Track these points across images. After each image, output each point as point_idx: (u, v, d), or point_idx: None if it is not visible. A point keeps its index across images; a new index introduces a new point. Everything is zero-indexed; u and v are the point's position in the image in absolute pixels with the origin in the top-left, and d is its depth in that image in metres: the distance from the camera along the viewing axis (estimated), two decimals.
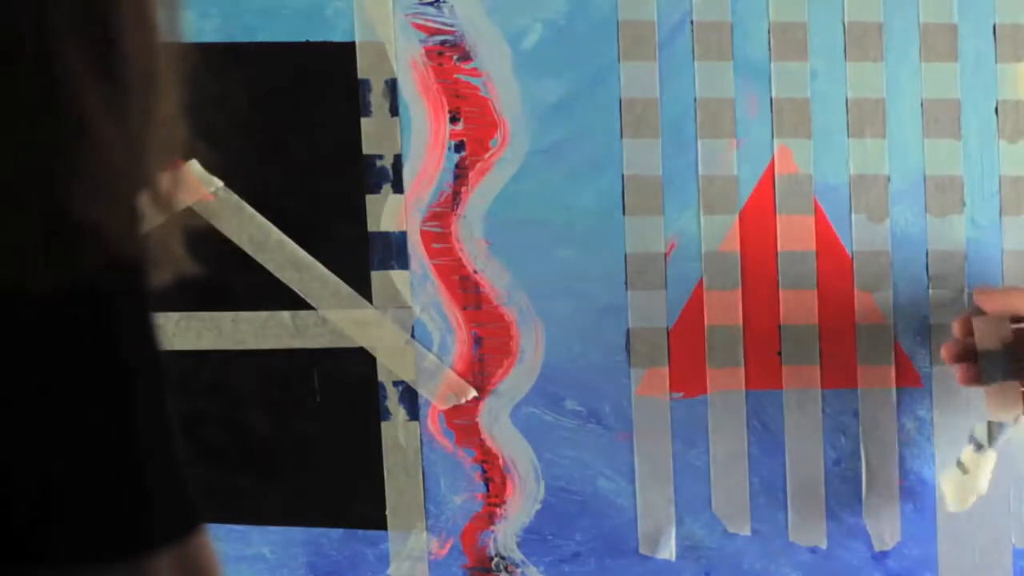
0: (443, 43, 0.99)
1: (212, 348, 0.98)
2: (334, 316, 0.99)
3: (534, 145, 1.00)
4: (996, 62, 1.02)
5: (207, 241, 0.92)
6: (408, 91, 0.99)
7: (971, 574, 1.03)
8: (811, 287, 1.01)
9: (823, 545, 1.02)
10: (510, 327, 1.00)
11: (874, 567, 1.03)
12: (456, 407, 1.00)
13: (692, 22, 1.00)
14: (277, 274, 0.98)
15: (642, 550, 1.02)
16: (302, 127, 0.99)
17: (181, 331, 0.97)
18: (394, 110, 0.99)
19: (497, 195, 1.00)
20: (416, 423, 1.00)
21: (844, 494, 1.02)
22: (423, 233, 1.00)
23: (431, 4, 0.99)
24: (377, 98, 0.99)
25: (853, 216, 1.02)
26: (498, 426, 1.01)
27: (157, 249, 0.51)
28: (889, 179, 1.02)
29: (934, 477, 1.02)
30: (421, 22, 0.99)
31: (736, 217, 1.01)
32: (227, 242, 0.97)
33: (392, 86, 0.99)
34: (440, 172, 0.99)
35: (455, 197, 0.99)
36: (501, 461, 1.01)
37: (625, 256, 1.00)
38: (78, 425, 0.49)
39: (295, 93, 0.98)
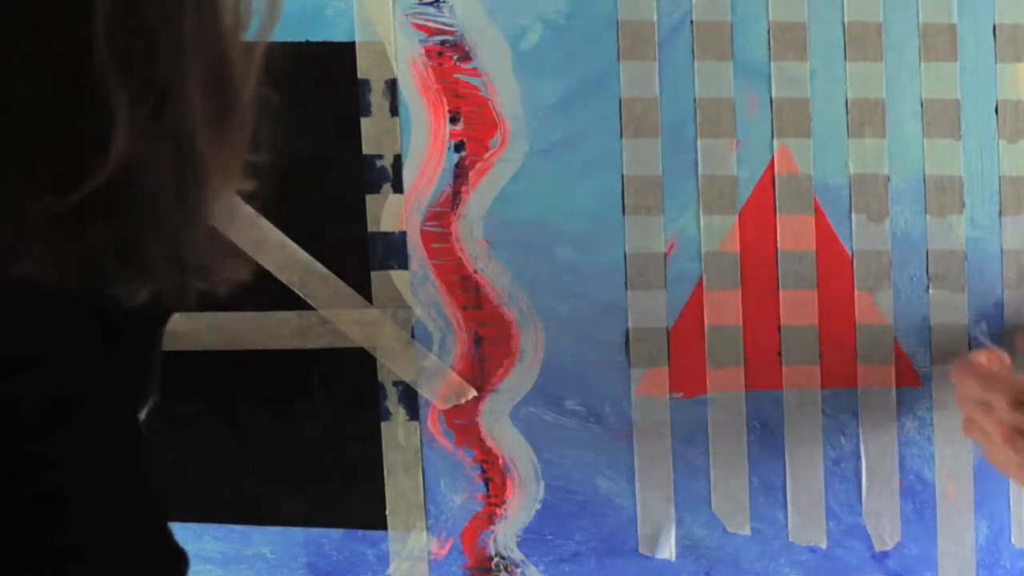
0: (443, 43, 0.99)
1: (212, 348, 0.98)
2: (334, 316, 0.98)
3: (534, 145, 1.00)
4: (996, 62, 1.02)
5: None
6: (408, 91, 0.99)
7: (971, 574, 1.03)
8: (811, 287, 1.01)
9: (823, 545, 1.02)
10: (510, 327, 1.00)
11: (874, 567, 1.03)
12: (456, 407, 1.00)
13: (692, 22, 1.00)
14: (277, 274, 0.98)
15: (642, 550, 1.02)
16: (302, 127, 0.98)
17: (182, 331, 0.97)
18: (394, 110, 0.99)
19: (497, 195, 1.00)
20: (416, 423, 1.00)
21: (844, 494, 1.02)
22: (423, 233, 1.00)
23: (431, 4, 0.99)
24: (377, 98, 0.99)
25: (853, 216, 1.02)
26: (498, 426, 1.00)
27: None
28: (889, 179, 1.02)
29: (934, 477, 1.02)
30: (421, 22, 0.99)
31: (736, 217, 1.01)
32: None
33: (392, 86, 0.99)
34: (440, 172, 0.99)
35: (455, 197, 0.99)
36: (501, 461, 1.01)
37: (625, 256, 1.00)
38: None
39: (295, 93, 0.98)
